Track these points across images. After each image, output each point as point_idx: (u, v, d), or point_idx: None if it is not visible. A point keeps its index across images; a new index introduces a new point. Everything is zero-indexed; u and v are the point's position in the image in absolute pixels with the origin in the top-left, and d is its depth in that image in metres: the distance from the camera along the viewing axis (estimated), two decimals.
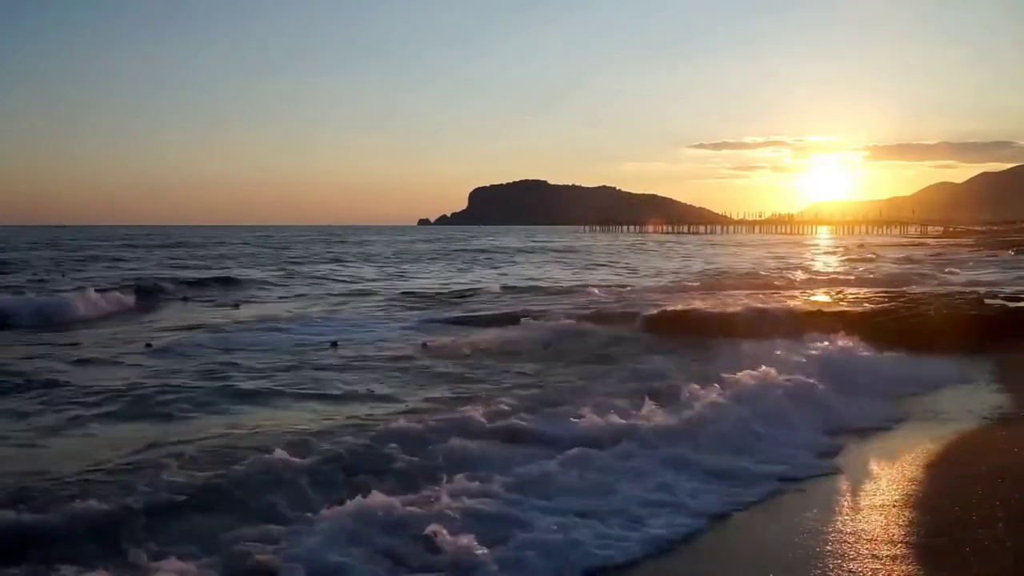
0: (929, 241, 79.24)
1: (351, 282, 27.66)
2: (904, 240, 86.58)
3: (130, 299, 20.00)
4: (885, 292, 18.82)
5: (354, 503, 5.00)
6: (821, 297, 18.42)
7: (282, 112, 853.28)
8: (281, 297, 22.72)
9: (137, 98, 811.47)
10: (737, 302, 16.37)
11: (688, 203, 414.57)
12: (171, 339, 13.42)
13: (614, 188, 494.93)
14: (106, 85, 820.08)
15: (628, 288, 23.45)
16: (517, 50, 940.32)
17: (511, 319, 14.88)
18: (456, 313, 16.95)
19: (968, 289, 19.59)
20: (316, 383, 9.62)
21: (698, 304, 16.06)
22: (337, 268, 36.73)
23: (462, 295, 21.99)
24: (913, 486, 6.08)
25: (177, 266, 35.97)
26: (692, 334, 13.13)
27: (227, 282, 26.31)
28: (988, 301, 15.43)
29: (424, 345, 12.46)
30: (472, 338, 12.95)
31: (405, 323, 15.68)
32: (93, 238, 79.98)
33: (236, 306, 19.99)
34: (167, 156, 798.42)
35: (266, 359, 11.33)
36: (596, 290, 21.99)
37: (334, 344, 12.49)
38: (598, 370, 10.48)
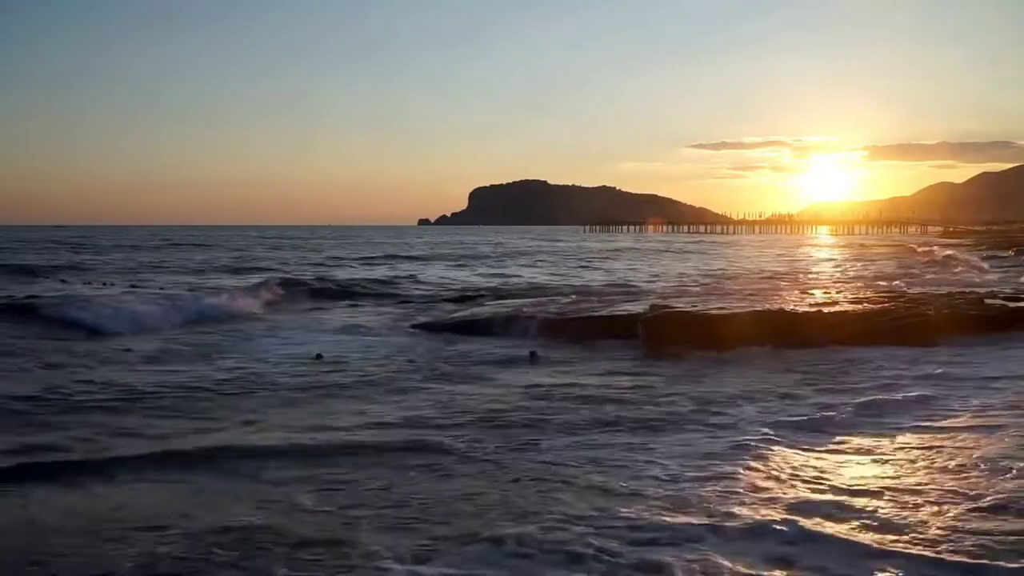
0: (930, 241, 79.28)
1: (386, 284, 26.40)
2: (905, 240, 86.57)
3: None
4: (885, 292, 18.91)
5: None
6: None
7: (282, 112, 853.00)
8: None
9: (137, 98, 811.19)
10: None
11: (688, 203, 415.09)
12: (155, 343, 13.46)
13: (614, 188, 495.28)
14: (106, 85, 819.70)
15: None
16: (517, 50, 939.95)
17: None
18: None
19: (968, 289, 19.68)
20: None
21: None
22: (372, 269, 36.41)
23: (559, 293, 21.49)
24: None
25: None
26: None
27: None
28: (988, 301, 15.51)
29: (413, 360, 11.75)
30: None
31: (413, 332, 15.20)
32: (106, 238, 79.59)
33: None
34: (167, 156, 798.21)
35: (237, 370, 10.64)
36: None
37: (318, 356, 11.74)
38: None
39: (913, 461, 6.33)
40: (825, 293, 19.80)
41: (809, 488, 5.68)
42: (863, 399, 8.59)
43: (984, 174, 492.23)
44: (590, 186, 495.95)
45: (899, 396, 8.68)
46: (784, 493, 5.56)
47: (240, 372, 10.50)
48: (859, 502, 5.37)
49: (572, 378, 10.16)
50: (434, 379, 10.15)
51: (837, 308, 15.11)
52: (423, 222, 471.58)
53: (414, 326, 15.48)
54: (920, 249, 50.98)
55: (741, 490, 5.60)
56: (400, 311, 18.43)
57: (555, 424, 7.66)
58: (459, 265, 39.72)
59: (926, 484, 5.72)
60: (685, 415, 7.97)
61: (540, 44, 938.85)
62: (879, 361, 11.08)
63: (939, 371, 10.25)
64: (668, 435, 7.22)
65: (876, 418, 7.76)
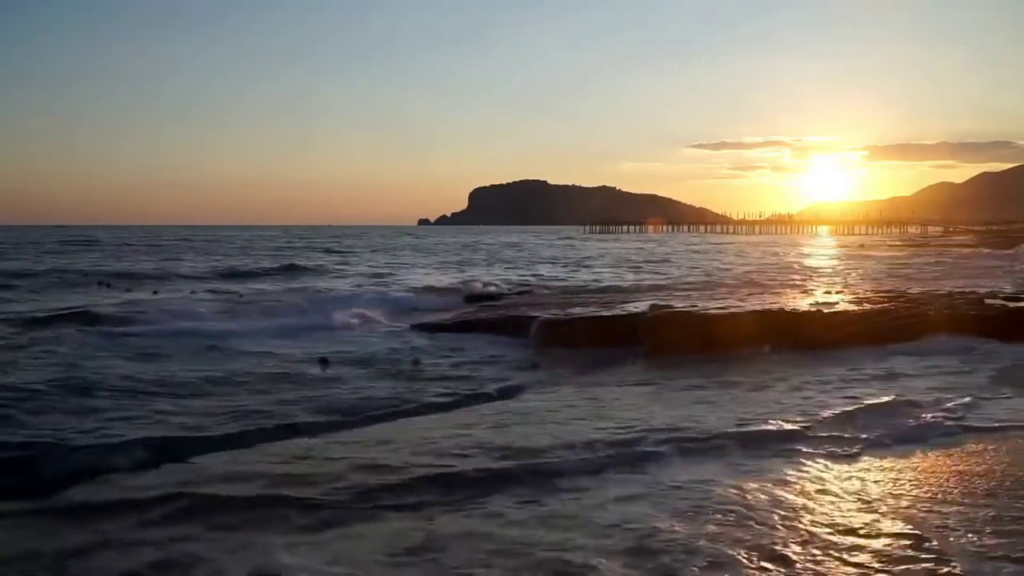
0: (930, 241, 79.35)
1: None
2: (905, 241, 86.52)
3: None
4: (885, 292, 18.94)
5: None
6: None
7: (282, 112, 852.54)
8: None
9: (137, 98, 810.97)
10: None
11: (688, 203, 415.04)
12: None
13: (614, 188, 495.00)
14: (106, 85, 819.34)
15: None
16: (517, 50, 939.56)
17: None
18: None
19: (968, 289, 19.70)
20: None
21: None
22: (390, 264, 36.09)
23: None
24: None
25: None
26: None
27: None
28: (988, 301, 15.53)
29: (416, 362, 11.59)
30: None
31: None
32: (116, 238, 79.14)
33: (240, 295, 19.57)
34: (167, 156, 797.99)
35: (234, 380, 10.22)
36: None
37: (323, 361, 11.51)
38: None
39: None
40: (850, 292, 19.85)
41: None
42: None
43: (984, 174, 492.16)
44: (590, 186, 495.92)
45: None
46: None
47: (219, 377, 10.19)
48: None
49: (563, 392, 9.66)
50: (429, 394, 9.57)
51: (838, 308, 15.15)
52: (423, 222, 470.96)
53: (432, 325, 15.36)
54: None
55: None
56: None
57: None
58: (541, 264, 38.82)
59: None
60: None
61: (540, 44, 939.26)
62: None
63: None
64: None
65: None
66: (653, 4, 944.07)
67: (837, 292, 19.85)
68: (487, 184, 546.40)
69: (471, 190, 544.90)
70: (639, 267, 37.45)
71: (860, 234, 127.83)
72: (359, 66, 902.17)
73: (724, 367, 11.15)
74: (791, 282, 26.01)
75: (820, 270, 34.43)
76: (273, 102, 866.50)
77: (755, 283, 25.17)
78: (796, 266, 37.53)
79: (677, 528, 4.97)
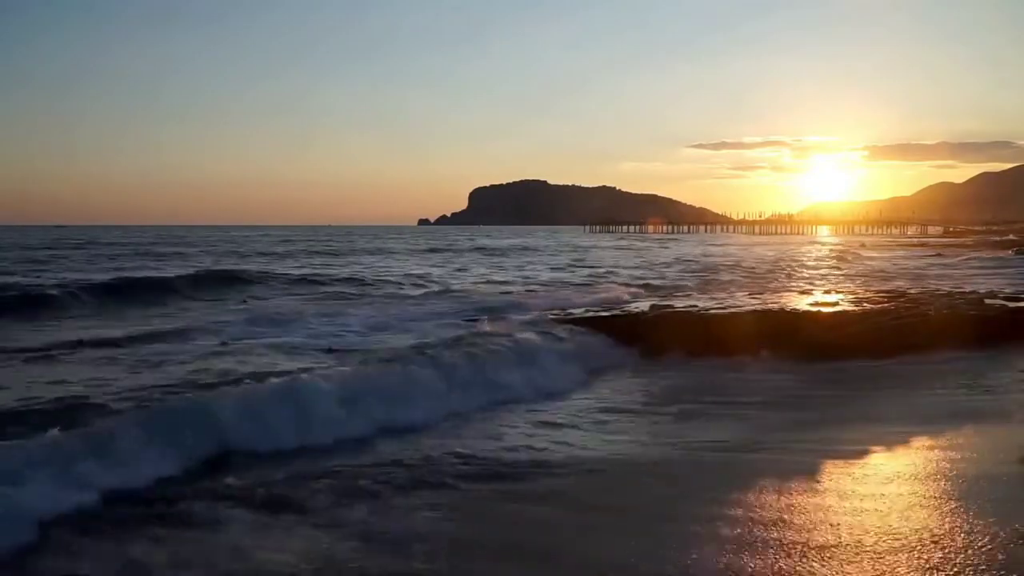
0: (929, 241, 79.31)
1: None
2: (905, 241, 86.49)
3: None
4: (885, 292, 18.93)
5: None
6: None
7: (282, 112, 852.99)
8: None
9: (137, 98, 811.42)
10: None
11: (688, 203, 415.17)
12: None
13: (614, 188, 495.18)
14: (106, 85, 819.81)
15: None
16: (517, 50, 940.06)
17: None
18: None
19: (968, 289, 19.68)
20: None
21: None
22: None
23: None
24: None
25: None
26: None
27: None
28: (988, 301, 15.51)
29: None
30: None
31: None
32: (124, 239, 78.79)
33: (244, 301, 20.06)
34: (167, 156, 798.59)
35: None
36: None
37: (329, 350, 12.03)
38: None
39: None
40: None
41: None
42: None
43: (984, 174, 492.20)
44: (590, 186, 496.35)
45: None
46: None
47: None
48: None
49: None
50: None
51: (838, 308, 15.12)
52: (423, 222, 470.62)
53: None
54: None
55: None
56: None
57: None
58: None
59: None
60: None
61: (540, 44, 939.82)
62: None
63: None
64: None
65: None
66: (653, 4, 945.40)
67: (837, 292, 19.86)
68: (487, 184, 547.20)
69: (471, 190, 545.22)
70: (702, 271, 34.29)
71: (860, 234, 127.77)
72: (359, 66, 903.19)
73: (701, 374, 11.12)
74: (791, 281, 26.03)
75: (820, 270, 34.40)
76: (273, 102, 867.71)
77: (756, 282, 25.19)
78: (796, 266, 37.48)
79: None
